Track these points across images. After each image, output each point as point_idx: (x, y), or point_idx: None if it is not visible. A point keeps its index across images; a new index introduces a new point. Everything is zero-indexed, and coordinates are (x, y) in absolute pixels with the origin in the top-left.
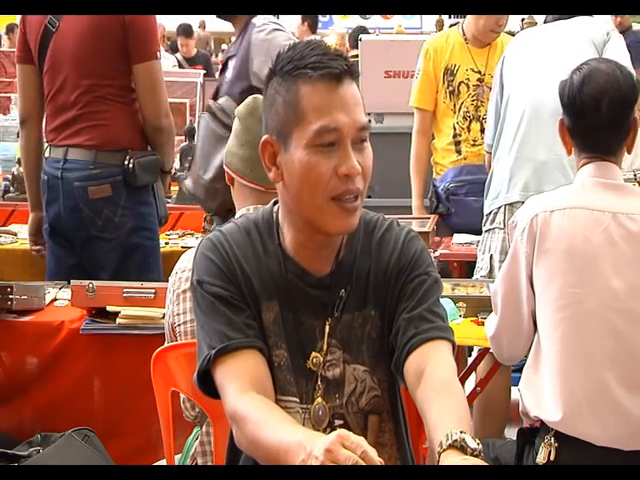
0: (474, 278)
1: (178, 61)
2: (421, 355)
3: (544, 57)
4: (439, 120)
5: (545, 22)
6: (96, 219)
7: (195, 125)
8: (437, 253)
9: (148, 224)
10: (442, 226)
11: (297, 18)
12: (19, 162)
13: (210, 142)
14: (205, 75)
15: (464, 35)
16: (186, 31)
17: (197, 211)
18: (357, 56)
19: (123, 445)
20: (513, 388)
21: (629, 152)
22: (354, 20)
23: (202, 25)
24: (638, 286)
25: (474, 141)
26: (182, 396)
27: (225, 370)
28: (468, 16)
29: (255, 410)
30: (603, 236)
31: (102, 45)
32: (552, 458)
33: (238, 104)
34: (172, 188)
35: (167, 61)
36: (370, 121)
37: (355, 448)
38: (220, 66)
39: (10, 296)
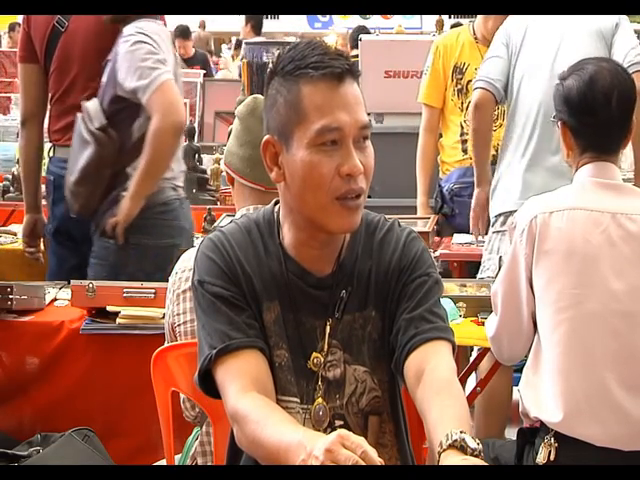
0: (479, 277)
1: None
2: (421, 355)
3: (552, 54)
4: (447, 118)
5: None
6: None
7: (195, 125)
8: (437, 253)
9: None
10: (446, 227)
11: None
12: (19, 162)
13: (76, 145)
14: (204, 75)
15: (474, 34)
16: (183, 33)
17: (197, 211)
18: (357, 56)
19: (123, 445)
20: (514, 388)
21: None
22: (354, 20)
23: (202, 25)
24: (638, 287)
25: None
26: (182, 396)
27: (226, 370)
28: (479, 16)
29: (256, 410)
30: (602, 237)
31: (111, 46)
32: (552, 458)
33: (105, 112)
34: None
35: None
36: (370, 121)
37: (355, 448)
38: (218, 66)
39: (10, 296)
